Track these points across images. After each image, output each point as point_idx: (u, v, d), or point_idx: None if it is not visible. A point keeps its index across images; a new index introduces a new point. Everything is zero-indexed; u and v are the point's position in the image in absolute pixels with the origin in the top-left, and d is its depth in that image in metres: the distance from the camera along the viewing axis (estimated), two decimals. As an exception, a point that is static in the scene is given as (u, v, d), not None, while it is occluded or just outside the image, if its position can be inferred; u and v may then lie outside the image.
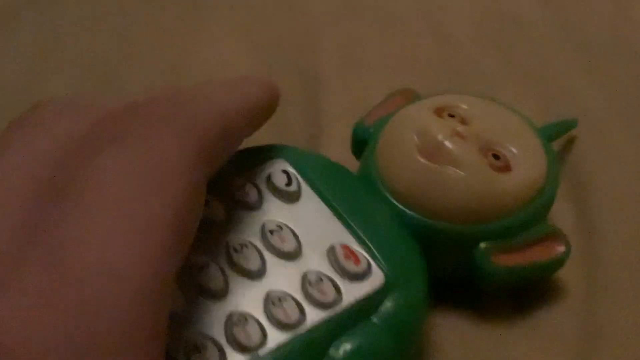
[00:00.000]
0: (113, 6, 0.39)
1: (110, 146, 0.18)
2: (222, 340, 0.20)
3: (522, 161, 0.24)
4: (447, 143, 0.24)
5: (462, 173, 0.23)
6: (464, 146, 0.24)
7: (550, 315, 0.25)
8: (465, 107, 0.26)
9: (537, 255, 0.24)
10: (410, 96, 0.28)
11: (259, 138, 0.23)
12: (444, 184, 0.23)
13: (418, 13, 0.38)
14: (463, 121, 0.25)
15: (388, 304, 0.22)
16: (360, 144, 0.27)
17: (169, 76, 0.34)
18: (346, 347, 0.21)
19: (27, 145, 0.19)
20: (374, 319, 0.21)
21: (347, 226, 0.23)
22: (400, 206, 0.24)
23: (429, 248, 0.23)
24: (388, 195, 0.24)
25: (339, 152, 0.28)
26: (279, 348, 0.20)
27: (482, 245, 0.24)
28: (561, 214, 0.27)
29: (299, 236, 0.22)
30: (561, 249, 0.24)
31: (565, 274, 0.25)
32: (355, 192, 0.24)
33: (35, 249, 0.16)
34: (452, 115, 0.25)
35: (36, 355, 0.14)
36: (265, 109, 0.23)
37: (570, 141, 0.30)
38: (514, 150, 0.25)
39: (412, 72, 0.34)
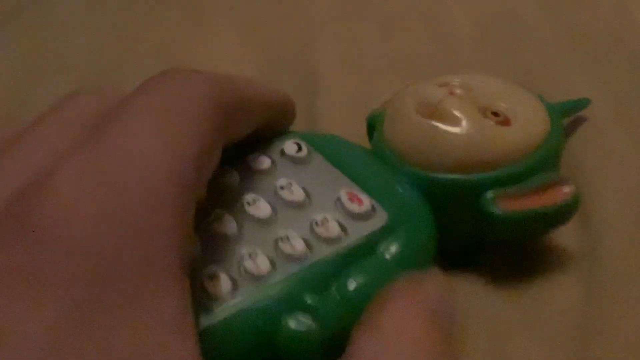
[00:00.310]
0: (113, 6, 0.40)
1: (144, 92, 0.20)
2: (235, 273, 0.21)
3: (521, 116, 0.26)
4: (445, 101, 0.25)
5: (461, 127, 0.25)
6: (461, 104, 0.25)
7: (549, 315, 0.25)
8: (466, 79, 0.27)
9: (544, 200, 0.25)
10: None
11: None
12: (443, 138, 0.25)
13: (418, 13, 0.38)
14: (463, 88, 0.26)
15: (393, 240, 0.23)
16: (373, 129, 0.28)
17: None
18: (353, 278, 0.22)
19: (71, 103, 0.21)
20: (380, 254, 0.22)
21: (354, 179, 0.24)
22: (406, 165, 0.25)
23: (438, 204, 0.24)
24: (394, 157, 0.26)
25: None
26: (288, 278, 0.21)
27: (489, 193, 0.25)
28: None
29: (308, 190, 0.24)
30: (568, 192, 0.25)
31: (565, 274, 0.26)
32: (363, 157, 0.26)
33: (84, 148, 0.18)
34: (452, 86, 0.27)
35: (84, 224, 0.16)
36: (279, 109, 0.25)
37: (570, 141, 0.31)
38: (512, 107, 0.26)
39: (412, 72, 0.35)
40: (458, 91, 0.26)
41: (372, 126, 0.29)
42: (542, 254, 0.27)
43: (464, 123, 0.25)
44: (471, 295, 0.26)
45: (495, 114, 0.26)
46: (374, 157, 0.26)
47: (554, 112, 0.27)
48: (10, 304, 0.15)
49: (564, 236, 0.27)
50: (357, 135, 0.28)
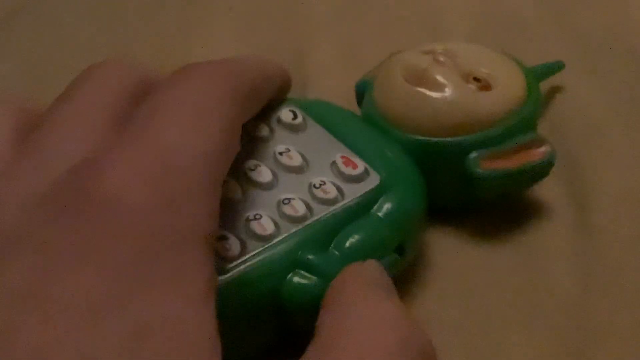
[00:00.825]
0: (112, 6, 0.40)
1: (174, 86, 0.22)
2: (242, 234, 0.23)
3: (501, 81, 0.27)
4: (430, 69, 0.27)
5: (444, 93, 0.27)
6: (445, 71, 0.27)
7: (548, 314, 0.25)
8: (449, 47, 0.29)
9: (524, 158, 0.27)
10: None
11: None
12: (429, 104, 0.27)
13: (417, 13, 0.39)
14: (447, 55, 0.28)
15: (386, 199, 0.25)
16: (362, 95, 0.30)
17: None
18: (350, 234, 0.24)
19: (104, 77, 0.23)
20: (374, 212, 0.24)
21: (347, 145, 0.26)
22: (395, 130, 0.27)
23: (426, 166, 0.26)
24: (383, 122, 0.27)
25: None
26: (291, 237, 0.23)
27: (472, 154, 0.27)
28: (560, 214, 0.28)
29: (305, 155, 0.26)
30: (545, 151, 0.27)
31: (564, 273, 0.26)
32: (355, 123, 0.28)
33: (131, 135, 0.20)
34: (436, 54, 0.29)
35: (134, 205, 0.18)
36: (280, 84, 0.27)
37: (570, 141, 0.31)
38: (493, 73, 0.28)
39: None
40: (442, 58, 0.28)
41: (361, 93, 0.30)
42: (540, 253, 0.27)
43: (447, 89, 0.27)
44: (467, 291, 0.26)
45: (477, 79, 0.27)
46: (365, 123, 0.28)
47: (531, 76, 0.29)
48: (58, 269, 0.17)
49: (563, 234, 0.28)
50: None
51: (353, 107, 0.30)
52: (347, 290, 0.21)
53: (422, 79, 0.27)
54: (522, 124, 0.27)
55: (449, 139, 0.27)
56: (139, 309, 0.17)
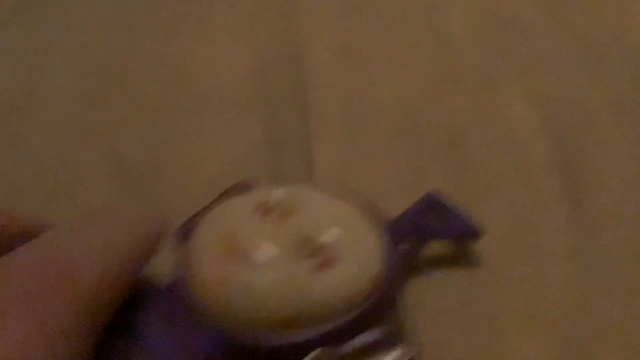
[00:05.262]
0: (113, 5, 0.40)
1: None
2: None
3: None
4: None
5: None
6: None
7: (547, 314, 0.25)
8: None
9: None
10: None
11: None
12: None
13: (416, 13, 0.38)
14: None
15: None
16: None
17: (169, 76, 0.35)
18: None
19: None
20: None
21: None
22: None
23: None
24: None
25: (334, 150, 0.30)
26: None
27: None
28: (560, 213, 0.28)
29: None
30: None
31: (561, 269, 0.26)
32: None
33: None
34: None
35: None
36: (149, 243, 0.21)
37: (569, 141, 0.31)
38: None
39: (411, 72, 0.34)
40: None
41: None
42: (538, 251, 0.27)
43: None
44: (466, 289, 0.25)
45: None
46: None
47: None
48: None
49: (561, 232, 0.27)
50: (354, 135, 0.30)
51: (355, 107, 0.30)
52: None
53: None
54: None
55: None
56: None
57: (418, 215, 0.25)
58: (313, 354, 0.20)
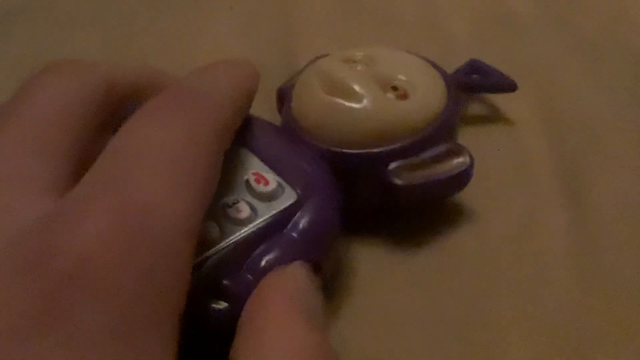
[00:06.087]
0: (114, 4, 0.40)
1: (148, 123, 0.20)
2: None
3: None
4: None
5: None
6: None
7: (547, 314, 0.25)
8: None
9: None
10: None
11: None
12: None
13: (415, 13, 0.39)
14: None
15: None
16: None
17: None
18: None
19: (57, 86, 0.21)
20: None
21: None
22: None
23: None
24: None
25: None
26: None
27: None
28: (560, 214, 0.28)
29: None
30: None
31: (561, 273, 0.26)
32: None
33: (104, 187, 0.18)
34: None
35: (103, 271, 0.16)
36: (253, 92, 0.26)
37: (569, 141, 0.31)
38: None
39: None
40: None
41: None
42: (538, 251, 0.27)
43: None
44: (466, 289, 0.26)
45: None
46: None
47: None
48: (19, 343, 0.15)
49: (561, 232, 0.28)
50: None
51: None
52: (264, 313, 0.20)
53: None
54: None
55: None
56: None
57: (465, 73, 0.32)
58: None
